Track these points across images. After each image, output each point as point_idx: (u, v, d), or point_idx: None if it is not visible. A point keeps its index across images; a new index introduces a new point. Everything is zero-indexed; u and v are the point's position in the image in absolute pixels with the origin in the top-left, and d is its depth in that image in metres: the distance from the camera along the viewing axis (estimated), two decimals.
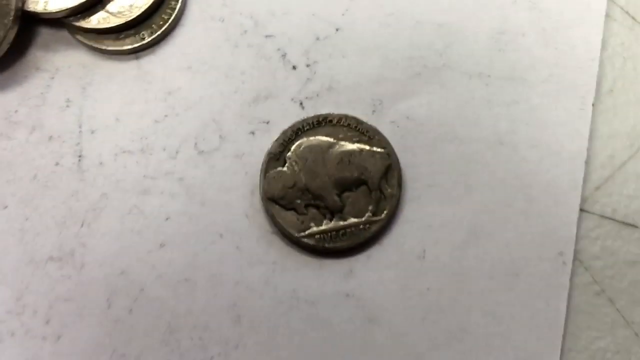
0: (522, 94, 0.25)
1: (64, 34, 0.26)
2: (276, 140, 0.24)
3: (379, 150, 0.24)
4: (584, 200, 0.24)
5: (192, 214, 0.24)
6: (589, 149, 0.24)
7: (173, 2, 0.26)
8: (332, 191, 0.24)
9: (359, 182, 0.24)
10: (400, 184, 0.24)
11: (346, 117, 0.24)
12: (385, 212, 0.24)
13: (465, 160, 0.25)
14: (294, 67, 0.25)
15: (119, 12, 0.25)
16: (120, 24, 0.25)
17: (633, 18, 0.26)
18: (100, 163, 0.25)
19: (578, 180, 0.24)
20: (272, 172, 0.24)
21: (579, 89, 0.25)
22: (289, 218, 0.24)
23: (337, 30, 0.26)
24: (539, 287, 0.23)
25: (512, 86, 0.25)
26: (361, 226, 0.24)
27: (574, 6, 0.26)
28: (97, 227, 0.24)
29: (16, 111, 0.25)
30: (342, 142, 0.24)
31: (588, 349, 0.24)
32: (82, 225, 0.24)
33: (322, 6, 0.26)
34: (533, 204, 0.24)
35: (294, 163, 0.24)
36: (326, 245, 0.23)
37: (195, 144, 0.25)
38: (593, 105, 0.25)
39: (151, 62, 0.26)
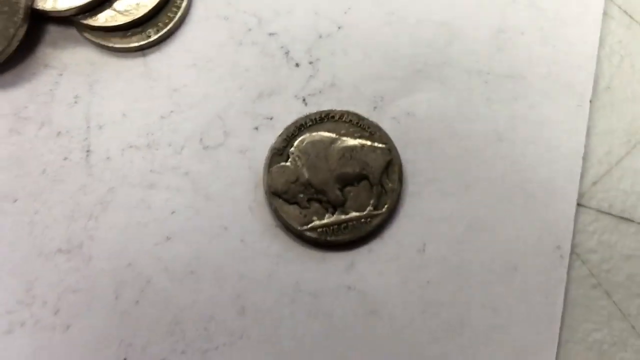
0: (521, 91, 0.25)
1: (72, 31, 0.26)
2: (279, 136, 0.24)
3: (380, 145, 0.24)
4: (581, 195, 0.25)
5: (197, 208, 0.24)
6: (586, 145, 0.25)
7: (179, 1, 0.26)
8: (334, 186, 0.24)
9: (361, 177, 0.24)
10: (400, 179, 0.24)
11: (348, 113, 0.25)
12: (386, 206, 0.24)
13: (465, 156, 0.25)
14: (297, 65, 0.26)
15: (126, 11, 0.25)
16: (127, 22, 0.25)
17: (631, 16, 0.26)
18: (108, 158, 0.25)
19: (575, 176, 0.24)
20: (275, 167, 0.24)
21: (577, 86, 0.25)
22: (292, 212, 0.24)
23: (339, 28, 0.26)
24: (537, 281, 0.24)
25: (511, 83, 0.25)
26: (362, 220, 0.24)
27: (572, 5, 0.26)
28: (104, 221, 0.24)
29: (25, 107, 0.25)
30: (344, 138, 0.24)
31: (585, 340, 0.24)
32: (90, 219, 0.24)
33: (325, 4, 0.26)
34: (531, 198, 0.24)
35: (297, 158, 0.24)
36: (328, 238, 0.24)
37: (201, 139, 0.25)
38: (590, 102, 0.25)
39: (157, 59, 0.26)
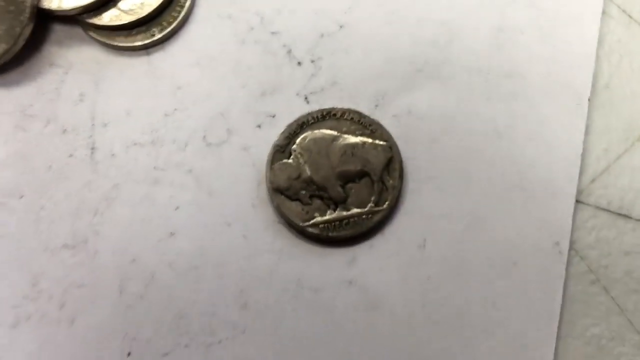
0: (520, 89, 0.25)
1: (78, 30, 0.26)
2: (282, 133, 0.25)
3: (381, 143, 0.24)
4: (579, 192, 0.25)
5: (200, 204, 0.25)
6: (585, 143, 0.25)
7: (182, 0, 0.26)
8: (336, 182, 0.24)
9: (362, 174, 0.24)
10: (401, 176, 0.24)
11: (349, 111, 0.25)
12: (387, 202, 0.24)
13: (465, 153, 0.25)
14: (299, 63, 0.26)
15: (131, 10, 0.26)
16: (132, 22, 0.26)
17: (629, 16, 0.26)
18: (112, 155, 0.25)
19: (574, 173, 0.25)
20: (277, 164, 0.24)
21: (576, 85, 0.25)
22: (294, 208, 0.24)
23: (340, 27, 0.26)
24: (535, 276, 0.24)
25: (511, 82, 0.25)
26: (364, 216, 0.24)
27: (572, 4, 0.26)
28: (109, 216, 0.24)
29: (32, 105, 0.25)
30: (346, 135, 0.24)
31: (583, 335, 0.24)
32: (95, 215, 0.25)
33: (327, 4, 0.26)
34: (530, 195, 0.24)
35: (299, 155, 0.24)
36: (330, 234, 0.24)
37: (204, 136, 0.25)
38: (589, 100, 0.25)
39: (161, 58, 0.26)
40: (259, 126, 0.25)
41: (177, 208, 0.25)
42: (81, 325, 0.24)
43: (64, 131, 0.25)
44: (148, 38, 0.26)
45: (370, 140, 0.24)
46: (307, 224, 0.24)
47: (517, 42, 0.26)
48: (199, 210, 0.25)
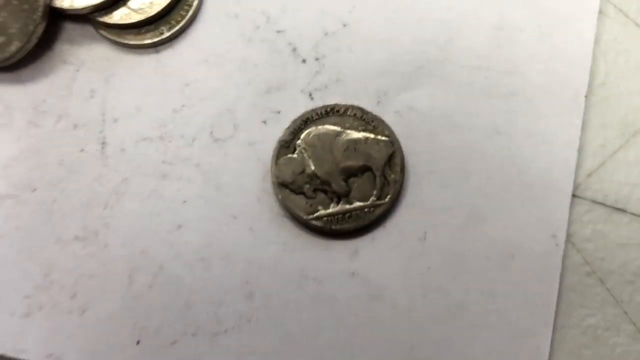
0: (519, 86, 0.26)
1: (89, 29, 0.26)
2: (287, 129, 0.25)
3: (383, 138, 0.25)
4: (576, 186, 0.25)
5: (207, 198, 0.25)
6: (581, 138, 0.25)
7: (190, 0, 0.26)
8: (339, 177, 0.24)
9: (364, 169, 0.25)
10: (403, 170, 0.25)
11: (352, 107, 0.25)
12: (388, 196, 0.24)
13: (465, 149, 0.25)
14: (304, 61, 0.26)
15: (140, 9, 0.26)
16: (141, 20, 0.26)
17: (626, 15, 0.26)
18: (122, 149, 0.25)
19: (571, 168, 0.25)
20: (282, 158, 0.25)
21: (573, 82, 0.25)
22: (298, 201, 0.24)
23: (344, 25, 0.26)
24: (533, 268, 0.24)
25: (510, 79, 0.26)
26: (366, 209, 0.24)
27: (569, 3, 0.26)
28: (119, 209, 0.25)
29: (44, 101, 0.26)
30: (349, 131, 0.25)
31: (579, 325, 0.24)
32: (105, 208, 0.25)
33: (331, 3, 0.26)
34: (528, 189, 0.25)
35: (303, 150, 0.25)
36: (333, 227, 0.24)
37: (211, 132, 0.25)
38: (586, 97, 0.25)
39: (170, 55, 0.26)
40: (264, 122, 0.26)
41: (184, 201, 0.25)
42: (92, 315, 0.24)
43: (75, 127, 0.26)
44: (157, 36, 0.26)
45: (372, 136, 0.25)
46: (311, 217, 0.24)
47: (516, 41, 0.26)
48: (206, 204, 0.25)
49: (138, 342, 0.24)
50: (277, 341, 0.24)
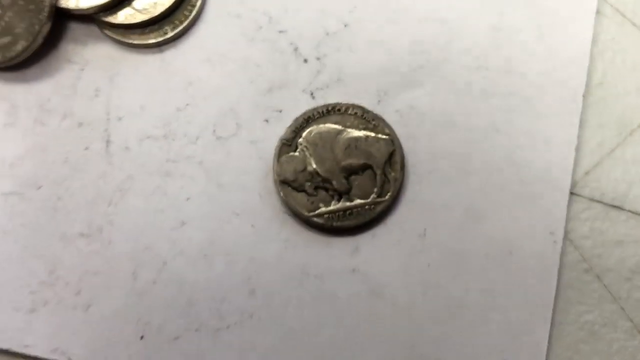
0: (518, 86, 0.26)
1: (94, 29, 0.26)
2: (288, 128, 0.25)
3: (383, 137, 0.25)
4: (574, 184, 0.25)
5: (210, 195, 0.25)
6: (579, 137, 0.25)
7: (194, 0, 0.26)
8: (340, 174, 0.25)
9: (365, 166, 0.25)
10: (403, 168, 0.25)
11: (353, 106, 0.25)
12: (389, 194, 0.25)
13: (464, 147, 0.25)
14: (305, 60, 0.26)
15: (144, 9, 0.26)
16: (145, 20, 0.26)
17: (623, 15, 0.26)
18: (126, 148, 0.25)
19: (569, 166, 0.25)
20: (284, 156, 0.25)
21: (571, 82, 0.26)
22: (299, 199, 0.24)
23: (345, 26, 0.26)
24: (531, 265, 0.24)
25: (508, 79, 0.26)
26: (367, 207, 0.24)
27: (567, 4, 0.26)
28: (123, 206, 0.25)
29: (49, 100, 0.26)
30: (350, 129, 0.25)
31: (577, 322, 0.25)
32: (109, 205, 0.25)
33: (332, 4, 0.26)
34: (526, 187, 0.25)
35: (304, 148, 0.25)
36: (334, 224, 0.24)
37: (214, 130, 0.26)
38: (583, 96, 0.25)
39: (173, 55, 0.26)
40: (266, 121, 0.26)
41: (188, 199, 0.25)
42: (96, 311, 0.24)
43: (80, 125, 0.26)
44: (161, 36, 0.26)
45: (373, 134, 0.25)
46: (312, 214, 0.24)
47: (515, 41, 0.26)
48: (208, 201, 0.25)
49: (142, 337, 0.24)
50: (278, 337, 0.24)
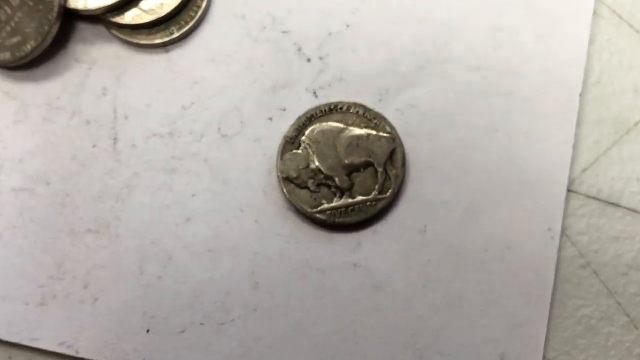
0: (516, 85, 0.26)
1: (101, 29, 0.27)
2: (292, 126, 0.25)
3: (384, 135, 0.25)
4: (571, 181, 0.25)
5: (215, 191, 0.25)
6: (576, 135, 0.25)
7: (199, 1, 0.26)
8: (342, 172, 0.25)
9: (367, 164, 0.25)
10: (404, 166, 0.25)
11: (355, 104, 0.25)
12: (390, 191, 0.25)
13: (463, 145, 0.26)
14: (308, 60, 0.26)
15: (151, 10, 0.26)
16: (152, 21, 0.26)
17: (619, 16, 0.27)
18: (133, 145, 0.26)
19: (566, 163, 0.25)
20: (287, 154, 0.25)
21: (568, 81, 0.26)
22: (302, 195, 0.25)
23: (347, 26, 0.27)
24: (529, 260, 0.25)
25: (507, 78, 0.26)
26: (368, 203, 0.25)
27: (564, 5, 0.26)
28: (130, 203, 0.25)
29: (58, 98, 0.26)
30: (352, 128, 0.25)
31: (574, 316, 0.25)
32: (116, 201, 0.25)
33: (334, 5, 0.27)
34: (525, 184, 0.25)
35: (307, 146, 0.25)
36: (336, 220, 0.25)
37: (219, 128, 0.26)
38: (581, 95, 0.26)
39: (179, 54, 0.26)
40: (270, 119, 0.26)
41: (193, 195, 0.25)
42: (103, 304, 0.25)
43: (88, 123, 0.26)
44: (167, 36, 0.26)
45: (374, 132, 0.25)
46: (314, 210, 0.25)
47: (513, 41, 0.26)
48: (213, 197, 0.25)
49: (148, 331, 0.25)
50: (281, 330, 0.25)
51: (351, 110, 0.25)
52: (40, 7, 0.26)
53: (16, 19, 0.26)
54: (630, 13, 0.27)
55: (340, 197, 0.25)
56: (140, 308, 0.25)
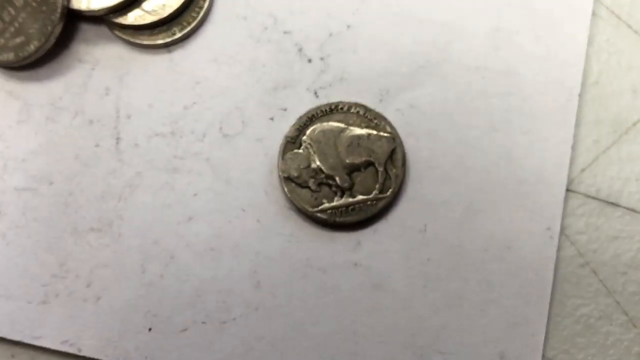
0: (515, 85, 0.26)
1: (104, 29, 0.27)
2: (293, 126, 0.25)
3: (385, 135, 0.25)
4: (570, 181, 0.25)
5: (217, 191, 0.26)
6: (575, 135, 0.25)
7: (201, 2, 0.26)
8: (343, 171, 0.25)
9: (367, 163, 0.25)
10: (404, 165, 0.25)
11: (356, 105, 0.25)
12: (390, 190, 0.25)
13: (463, 145, 0.26)
14: (310, 60, 0.26)
15: (153, 11, 0.26)
16: (154, 21, 0.26)
17: (618, 17, 0.27)
18: (136, 145, 0.26)
19: (565, 163, 0.25)
20: (289, 153, 0.25)
21: (567, 81, 0.26)
22: (303, 195, 0.25)
23: (348, 27, 0.27)
24: (528, 259, 0.25)
25: (506, 79, 0.26)
26: (369, 203, 0.25)
27: (563, 6, 0.26)
28: (132, 202, 0.26)
29: (61, 98, 0.26)
30: (352, 128, 0.25)
31: (573, 315, 0.25)
32: (119, 200, 0.26)
33: (335, 5, 0.27)
34: (524, 184, 0.25)
35: (308, 146, 0.25)
36: (337, 219, 0.25)
37: (220, 128, 0.26)
38: (579, 95, 0.26)
39: (181, 55, 0.26)
40: (271, 119, 0.26)
41: (195, 194, 0.26)
42: (106, 303, 0.25)
43: (91, 122, 0.26)
44: (169, 37, 0.26)
45: (375, 132, 0.25)
46: (315, 209, 0.25)
47: (513, 42, 0.26)
48: (215, 197, 0.26)
49: (150, 329, 0.25)
50: (283, 328, 0.25)
51: (352, 111, 0.26)
52: (44, 7, 0.26)
53: (20, 20, 0.26)
54: (629, 14, 0.27)
55: (341, 197, 0.25)
56: (143, 307, 0.25)
